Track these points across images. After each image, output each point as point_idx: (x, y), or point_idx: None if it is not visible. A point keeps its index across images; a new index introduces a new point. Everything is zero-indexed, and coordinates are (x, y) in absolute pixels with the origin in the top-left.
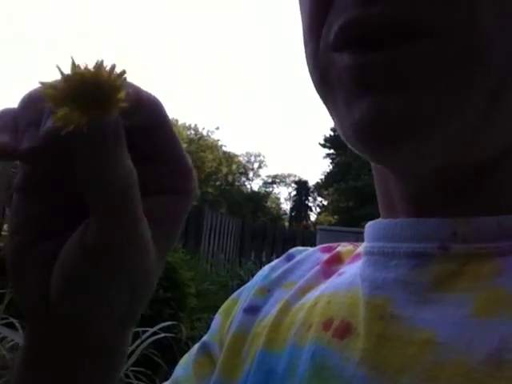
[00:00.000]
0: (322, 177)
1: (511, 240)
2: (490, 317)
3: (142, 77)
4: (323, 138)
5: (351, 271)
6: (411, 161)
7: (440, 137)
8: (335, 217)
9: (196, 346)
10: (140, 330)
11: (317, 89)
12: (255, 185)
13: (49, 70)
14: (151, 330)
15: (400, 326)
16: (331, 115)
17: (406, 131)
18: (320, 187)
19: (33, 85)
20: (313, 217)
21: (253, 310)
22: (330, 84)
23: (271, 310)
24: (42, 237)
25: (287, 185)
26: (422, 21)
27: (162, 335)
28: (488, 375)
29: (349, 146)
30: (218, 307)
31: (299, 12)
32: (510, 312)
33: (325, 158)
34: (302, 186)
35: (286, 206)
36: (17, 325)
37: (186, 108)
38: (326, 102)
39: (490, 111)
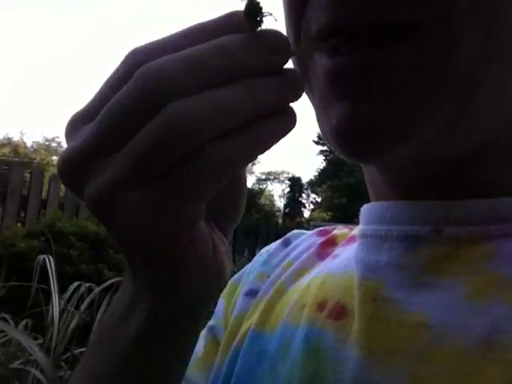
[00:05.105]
0: (316, 173)
1: (503, 223)
2: (482, 300)
3: None
4: (317, 134)
5: (347, 254)
6: (388, 161)
7: (414, 141)
8: (329, 213)
9: (202, 333)
10: None
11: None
12: (249, 181)
13: None
14: None
15: (392, 308)
16: (311, 103)
17: (381, 135)
18: (313, 184)
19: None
20: (306, 213)
21: (253, 293)
22: (307, 76)
23: (268, 291)
24: None
25: (281, 181)
26: (397, 18)
27: None
28: (480, 357)
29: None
30: None
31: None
32: (501, 295)
33: (318, 154)
34: (295, 183)
35: (280, 203)
36: (10, 321)
37: None
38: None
39: (465, 109)
